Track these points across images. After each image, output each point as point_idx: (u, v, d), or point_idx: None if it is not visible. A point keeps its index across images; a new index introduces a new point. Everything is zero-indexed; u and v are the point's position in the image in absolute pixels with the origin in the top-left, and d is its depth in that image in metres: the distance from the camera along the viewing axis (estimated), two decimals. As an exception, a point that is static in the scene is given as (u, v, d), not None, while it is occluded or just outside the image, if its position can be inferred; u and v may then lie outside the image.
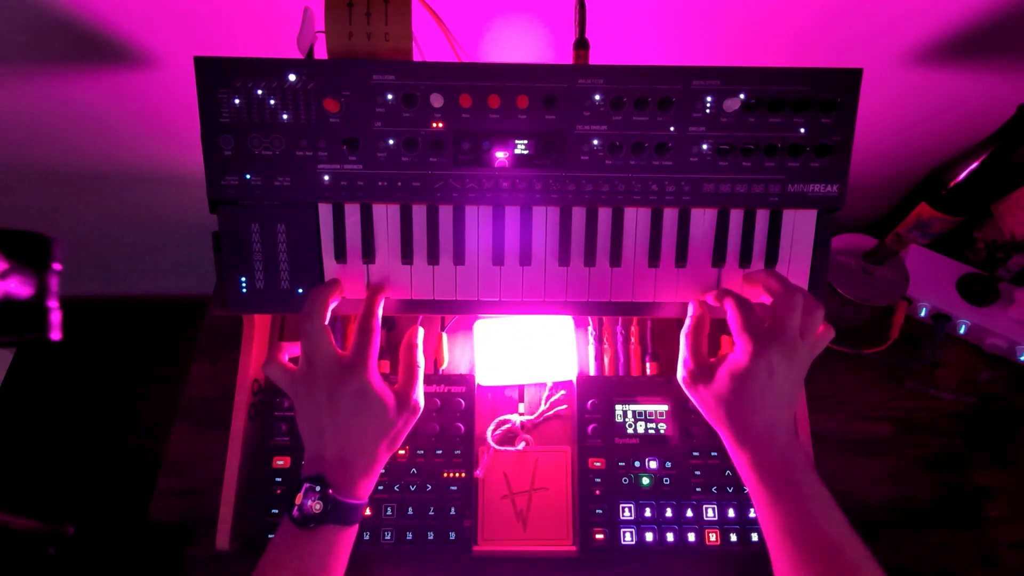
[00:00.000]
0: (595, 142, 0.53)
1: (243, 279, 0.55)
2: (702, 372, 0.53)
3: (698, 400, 0.53)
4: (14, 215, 0.95)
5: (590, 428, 0.63)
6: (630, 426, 0.63)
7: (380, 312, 0.53)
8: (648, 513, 0.61)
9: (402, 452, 0.62)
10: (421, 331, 0.57)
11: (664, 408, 0.64)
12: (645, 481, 0.62)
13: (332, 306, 0.53)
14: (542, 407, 0.67)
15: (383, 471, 0.52)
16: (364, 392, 0.49)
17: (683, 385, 0.54)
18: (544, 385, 0.68)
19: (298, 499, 0.46)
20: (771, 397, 0.49)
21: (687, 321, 0.56)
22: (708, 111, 0.52)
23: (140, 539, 0.67)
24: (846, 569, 0.45)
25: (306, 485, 0.46)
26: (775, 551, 0.47)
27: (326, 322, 0.51)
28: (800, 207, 0.55)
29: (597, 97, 0.51)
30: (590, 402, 0.64)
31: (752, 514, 0.61)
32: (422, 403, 0.54)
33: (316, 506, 0.46)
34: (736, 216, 0.56)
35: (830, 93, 0.52)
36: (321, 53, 0.52)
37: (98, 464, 1.24)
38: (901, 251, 0.71)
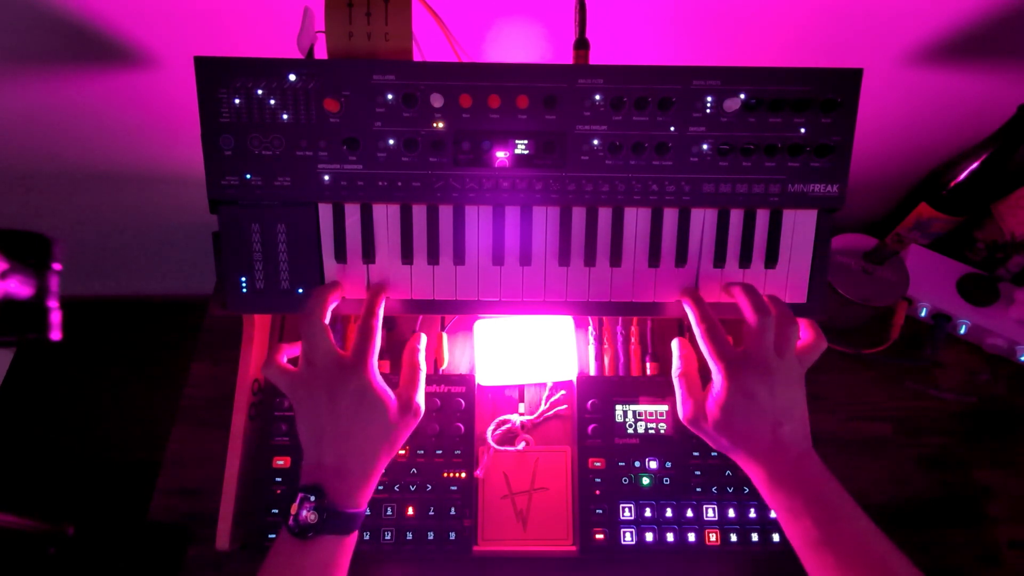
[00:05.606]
0: (595, 142, 0.53)
1: (243, 279, 0.55)
2: (699, 410, 0.53)
3: (704, 436, 0.53)
4: (14, 215, 0.94)
5: (590, 428, 0.63)
6: (630, 426, 0.63)
7: (381, 313, 0.53)
8: (648, 513, 0.61)
9: (402, 452, 0.62)
10: (424, 337, 0.57)
11: (664, 408, 0.64)
12: (645, 481, 0.62)
13: (332, 306, 0.53)
14: (542, 407, 0.67)
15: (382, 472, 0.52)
16: (364, 392, 0.49)
17: (687, 425, 0.54)
18: (544, 385, 0.68)
19: (294, 509, 0.46)
20: (763, 416, 0.49)
21: (675, 363, 0.56)
22: (708, 111, 0.52)
23: (140, 539, 0.67)
24: (880, 572, 0.45)
25: (301, 495, 0.46)
26: (808, 565, 0.47)
27: (326, 322, 0.51)
28: (800, 207, 0.55)
29: (597, 97, 0.51)
30: (590, 402, 0.64)
31: (752, 514, 0.61)
32: (423, 407, 0.53)
33: (312, 516, 0.45)
34: (736, 216, 0.56)
35: (830, 93, 0.52)
36: (321, 53, 0.52)
37: (98, 464, 1.24)
38: (901, 251, 0.71)
